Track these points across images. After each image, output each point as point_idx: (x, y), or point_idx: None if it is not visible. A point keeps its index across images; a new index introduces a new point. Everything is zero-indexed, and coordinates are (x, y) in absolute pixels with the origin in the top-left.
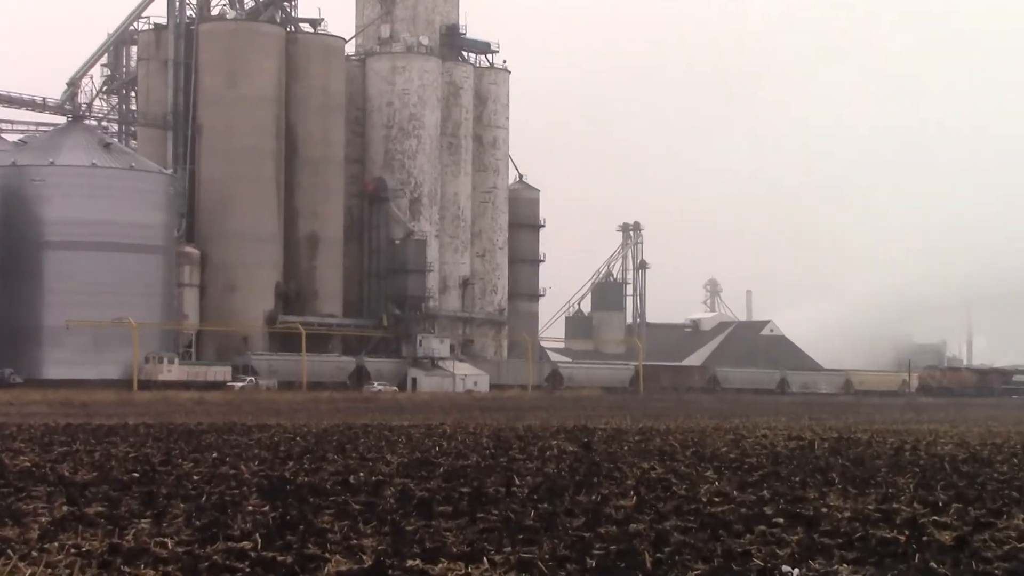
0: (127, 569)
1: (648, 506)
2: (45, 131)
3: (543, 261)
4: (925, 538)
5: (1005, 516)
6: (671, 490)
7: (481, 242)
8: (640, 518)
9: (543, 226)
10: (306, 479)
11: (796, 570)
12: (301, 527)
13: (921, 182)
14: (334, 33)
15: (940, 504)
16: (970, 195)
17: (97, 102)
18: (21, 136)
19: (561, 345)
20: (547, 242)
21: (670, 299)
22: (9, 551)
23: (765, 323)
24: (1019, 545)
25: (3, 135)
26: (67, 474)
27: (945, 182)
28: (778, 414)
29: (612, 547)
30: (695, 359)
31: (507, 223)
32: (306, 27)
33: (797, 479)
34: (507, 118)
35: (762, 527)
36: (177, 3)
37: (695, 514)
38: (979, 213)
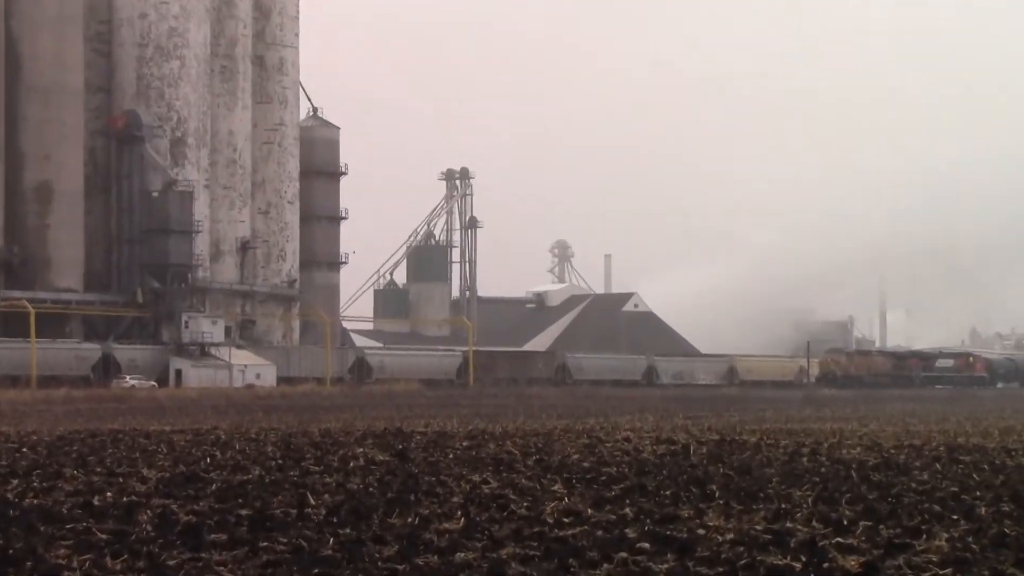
0: None
1: (480, 529)
2: None
3: (345, 219)
4: (826, 565)
5: (924, 536)
6: (509, 509)
7: (265, 195)
8: (469, 545)
9: (345, 174)
10: (36, 501)
11: None
12: (29, 563)
13: (823, 125)
14: None
15: (845, 522)
16: (882, 142)
17: None
18: None
19: (370, 326)
20: (350, 195)
21: (508, 266)
22: None
23: (628, 296)
24: (940, 572)
25: None
26: None
27: (852, 126)
28: (644, 411)
29: None
30: (540, 342)
31: (298, 170)
32: None
33: (668, 493)
34: (296, 34)
35: (623, 554)
36: None
37: (539, 539)
38: (892, 163)
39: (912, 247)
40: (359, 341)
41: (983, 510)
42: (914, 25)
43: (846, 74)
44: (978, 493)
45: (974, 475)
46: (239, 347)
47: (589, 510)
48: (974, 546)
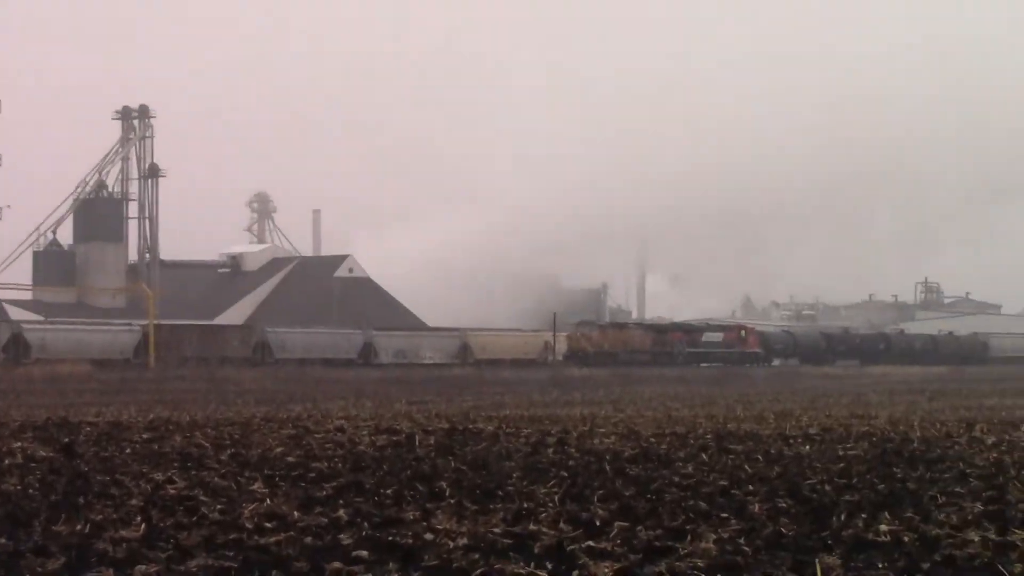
0: None
1: (164, 537)
2: None
3: None
4: (576, 573)
5: (689, 537)
6: (199, 513)
7: None
8: (152, 555)
9: None
10: None
11: None
12: None
13: (581, 75)
14: None
15: (597, 523)
16: (651, 91)
17: None
18: None
19: (28, 295)
20: (3, 136)
21: (197, 224)
22: None
23: (341, 259)
24: None
25: None
26: None
27: (617, 74)
28: (361, 396)
29: None
30: (235, 314)
31: None
32: None
33: (389, 492)
34: None
35: (337, 564)
36: None
37: (236, 547)
38: (658, 115)
39: (676, 205)
40: (14, 314)
41: (756, 507)
42: None
43: (614, 20)
44: (751, 487)
45: (746, 467)
46: None
47: (296, 513)
48: (746, 548)
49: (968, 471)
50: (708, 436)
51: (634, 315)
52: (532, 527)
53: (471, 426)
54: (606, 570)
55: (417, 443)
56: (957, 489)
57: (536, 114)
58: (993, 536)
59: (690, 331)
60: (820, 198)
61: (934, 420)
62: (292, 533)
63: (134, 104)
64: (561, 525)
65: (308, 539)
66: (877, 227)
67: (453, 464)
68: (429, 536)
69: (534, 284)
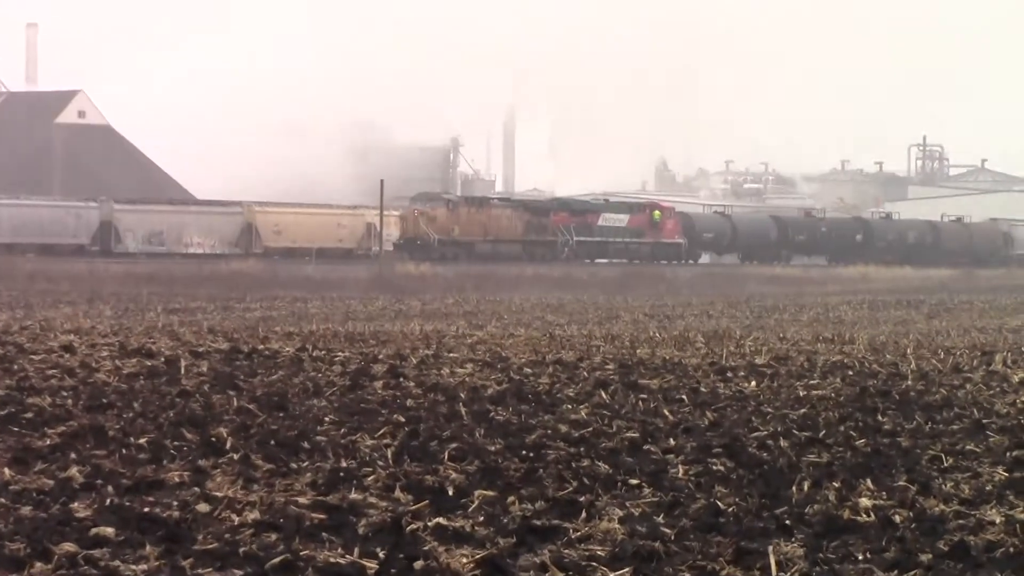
0: None
1: None
2: None
3: None
4: (419, 563)
5: (584, 513)
6: None
7: None
8: None
9: None
10: None
11: None
12: None
13: None
14: None
15: (450, 491)
16: None
17: None
18: None
19: None
20: None
21: None
22: None
23: (69, 97)
24: (611, 573)
25: None
26: None
27: None
28: (98, 301)
29: None
30: None
31: None
32: None
33: (143, 442)
34: None
35: (69, 546)
36: None
37: None
38: None
39: (561, 24)
40: None
41: (681, 470)
42: None
43: None
44: (672, 442)
45: (665, 411)
46: None
47: (6, 471)
48: (666, 529)
49: (986, 420)
50: (609, 366)
51: (498, 187)
52: (354, 496)
53: (261, 347)
54: (464, 559)
55: (182, 371)
56: (970, 447)
57: None
58: (1021, 515)
59: (580, 212)
60: (770, 18)
61: (935, 347)
62: (3, 502)
63: None
64: (397, 493)
65: (26, 509)
66: (852, 64)
67: (236, 402)
68: (203, 507)
69: (352, 139)
